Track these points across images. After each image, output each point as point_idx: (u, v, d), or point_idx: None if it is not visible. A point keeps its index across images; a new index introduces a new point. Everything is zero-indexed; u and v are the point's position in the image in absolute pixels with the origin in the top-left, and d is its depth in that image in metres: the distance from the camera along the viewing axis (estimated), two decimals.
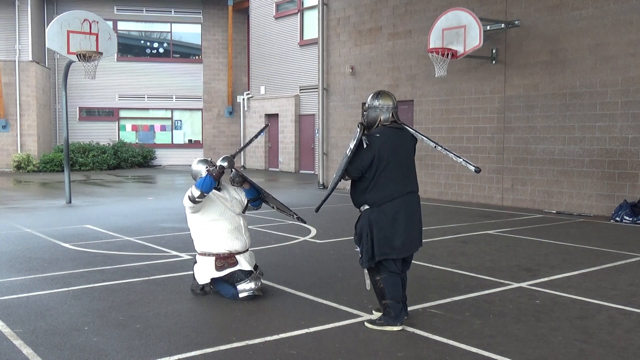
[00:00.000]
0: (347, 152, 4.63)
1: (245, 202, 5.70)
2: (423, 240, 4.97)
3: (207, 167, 5.54)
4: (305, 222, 6.03)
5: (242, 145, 5.80)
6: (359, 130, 4.61)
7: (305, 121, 22.70)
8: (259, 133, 5.91)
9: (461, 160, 4.75)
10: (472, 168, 4.66)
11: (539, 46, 12.05)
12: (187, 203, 5.36)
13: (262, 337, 4.44)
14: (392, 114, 4.73)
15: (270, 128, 24.51)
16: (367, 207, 4.66)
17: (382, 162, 4.56)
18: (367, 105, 4.82)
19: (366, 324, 4.72)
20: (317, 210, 4.91)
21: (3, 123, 23.46)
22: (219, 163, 5.37)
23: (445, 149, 4.86)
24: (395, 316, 4.61)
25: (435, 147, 4.86)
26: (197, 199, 5.26)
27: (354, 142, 4.56)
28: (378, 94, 4.79)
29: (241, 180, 5.66)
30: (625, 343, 4.38)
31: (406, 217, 4.61)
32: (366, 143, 4.56)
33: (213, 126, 27.46)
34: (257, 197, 5.76)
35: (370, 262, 4.63)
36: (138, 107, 27.13)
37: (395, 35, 14.98)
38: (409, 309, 4.95)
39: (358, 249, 4.75)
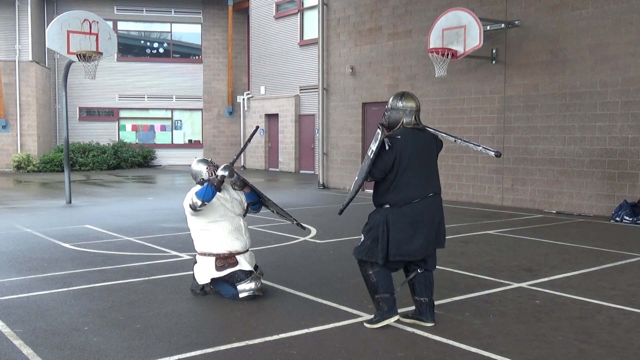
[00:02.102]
0: (369, 153, 4.60)
1: (246, 204, 5.72)
2: None
3: (207, 167, 5.57)
4: (304, 228, 6.04)
5: (239, 151, 5.81)
6: (379, 131, 4.56)
7: (305, 121, 22.70)
8: (251, 137, 5.88)
9: (480, 147, 4.78)
10: (492, 153, 4.69)
11: (539, 46, 12.05)
12: (188, 208, 5.39)
13: (262, 337, 4.44)
14: (415, 117, 4.71)
15: (270, 128, 24.53)
16: (387, 207, 4.64)
17: (402, 163, 4.53)
18: (389, 105, 4.77)
19: (365, 324, 4.73)
20: (340, 212, 4.93)
21: (3, 123, 23.46)
22: (219, 173, 5.37)
23: (464, 140, 4.90)
24: (388, 309, 4.61)
25: (455, 141, 4.86)
26: (198, 208, 5.31)
27: (376, 144, 4.52)
28: (402, 96, 4.75)
29: (242, 184, 5.68)
30: (625, 343, 4.38)
31: (427, 220, 4.59)
32: (388, 145, 4.53)
33: (213, 126, 27.46)
34: (257, 201, 5.79)
35: (384, 259, 4.57)
36: (138, 107, 27.13)
37: (395, 35, 14.98)
38: (408, 308, 4.95)
39: (362, 238, 4.71)
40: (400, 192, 4.56)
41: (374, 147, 4.54)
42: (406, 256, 4.57)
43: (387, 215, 4.58)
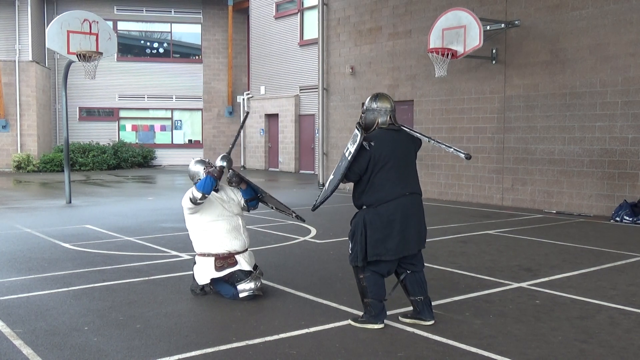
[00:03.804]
0: (346, 153, 4.61)
1: (243, 202, 5.71)
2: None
3: (205, 168, 5.57)
4: (304, 221, 6.03)
5: (233, 140, 5.80)
6: (359, 133, 4.57)
7: (305, 121, 22.70)
8: (243, 122, 5.90)
9: (452, 150, 4.74)
10: (462, 156, 4.64)
11: (539, 46, 12.05)
12: (187, 204, 5.37)
13: (262, 337, 4.44)
14: (390, 117, 4.73)
15: (270, 128, 24.54)
16: (364, 208, 4.67)
17: (377, 164, 4.55)
18: (364, 107, 4.81)
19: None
20: (313, 209, 4.89)
21: (3, 123, 23.46)
22: (218, 163, 5.40)
23: (437, 141, 4.87)
24: (376, 315, 4.64)
25: (429, 141, 4.86)
26: (198, 201, 5.28)
27: (355, 146, 4.53)
28: (376, 97, 4.79)
29: (238, 180, 5.68)
30: (625, 343, 4.38)
31: (401, 219, 4.59)
32: (369, 145, 4.54)
33: (213, 126, 27.46)
34: (254, 197, 5.78)
35: (363, 261, 4.61)
36: (138, 107, 27.13)
37: (395, 35, 14.98)
38: (408, 308, 4.94)
39: (350, 244, 4.74)
40: (375, 193, 4.58)
41: (352, 148, 4.55)
42: (383, 255, 4.57)
43: (364, 217, 4.62)
